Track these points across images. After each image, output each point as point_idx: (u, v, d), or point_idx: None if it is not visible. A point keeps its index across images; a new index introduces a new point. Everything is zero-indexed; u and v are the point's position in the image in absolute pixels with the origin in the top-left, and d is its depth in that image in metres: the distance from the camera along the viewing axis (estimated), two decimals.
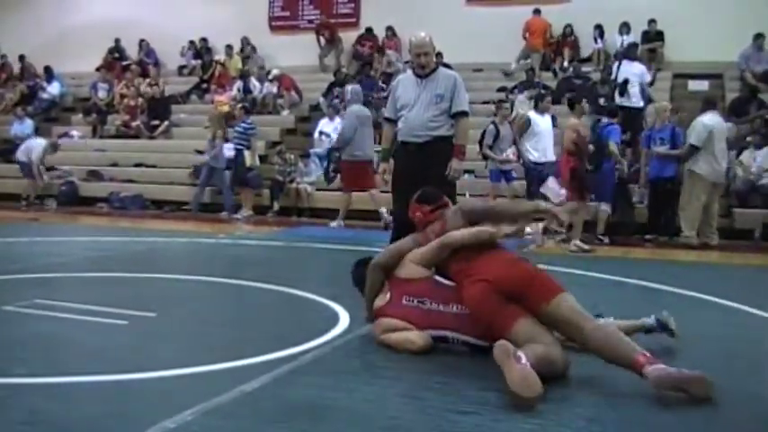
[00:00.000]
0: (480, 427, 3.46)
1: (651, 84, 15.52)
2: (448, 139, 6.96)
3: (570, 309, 4.27)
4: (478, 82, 18.63)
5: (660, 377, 3.80)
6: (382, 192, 11.77)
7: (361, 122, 12.65)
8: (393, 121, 7.28)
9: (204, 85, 20.22)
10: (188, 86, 20.51)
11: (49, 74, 20.85)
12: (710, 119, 11.45)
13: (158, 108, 18.71)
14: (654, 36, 17.76)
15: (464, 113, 7.02)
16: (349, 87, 14.05)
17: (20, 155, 16.48)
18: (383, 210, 12.53)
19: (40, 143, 16.64)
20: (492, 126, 12.52)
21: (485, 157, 12.82)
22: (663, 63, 17.73)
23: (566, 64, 18.06)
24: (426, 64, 6.99)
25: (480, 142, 12.76)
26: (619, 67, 15.10)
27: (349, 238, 10.77)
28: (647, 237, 11.75)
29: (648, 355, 3.92)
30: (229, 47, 20.42)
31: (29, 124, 18.50)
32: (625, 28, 17.61)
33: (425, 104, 6.90)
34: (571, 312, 4.25)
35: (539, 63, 18.30)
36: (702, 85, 16.53)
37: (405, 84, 7.19)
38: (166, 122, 18.51)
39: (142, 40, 21.69)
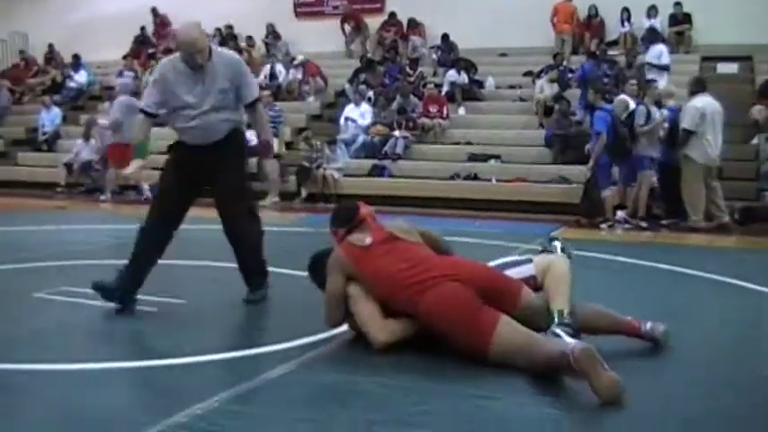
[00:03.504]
0: (505, 413, 3.47)
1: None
2: (236, 132, 5.79)
3: (538, 296, 4.35)
4: (504, 67, 18.58)
5: None
6: None
7: (129, 111, 13.83)
8: (152, 116, 5.73)
9: None
10: None
11: (77, 62, 20.95)
12: (702, 101, 11.34)
13: None
14: (681, 19, 17.61)
15: (258, 100, 5.84)
16: (119, 81, 16.37)
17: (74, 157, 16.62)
18: (145, 186, 14.33)
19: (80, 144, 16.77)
20: (642, 107, 11.65)
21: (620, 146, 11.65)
22: (691, 46, 17.58)
23: (592, 47, 17.96)
24: (203, 61, 5.37)
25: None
26: (646, 52, 15.17)
27: None
28: (663, 222, 11.63)
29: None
30: (251, 37, 20.46)
31: (56, 113, 18.62)
32: (653, 11, 17.51)
33: (210, 104, 5.48)
34: (541, 300, 4.33)
35: (569, 47, 18.18)
36: (731, 68, 16.39)
37: (175, 78, 5.48)
38: None
39: (168, 26, 21.77)
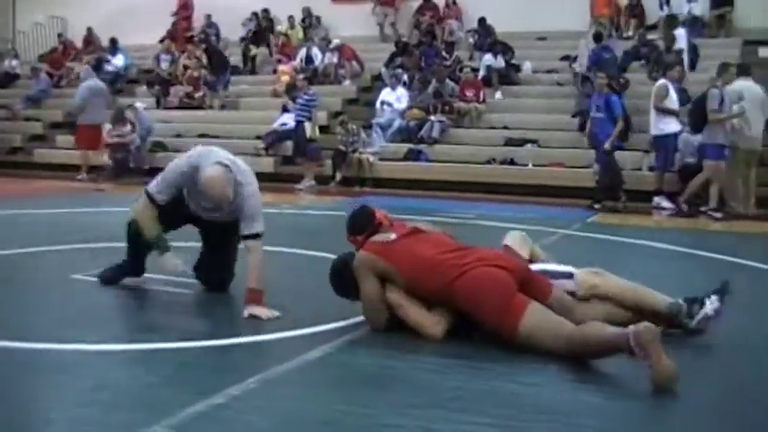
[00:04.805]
0: (543, 398, 3.45)
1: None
2: None
3: (565, 296, 4.35)
4: (541, 50, 18.45)
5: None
6: None
7: (93, 94, 15.83)
8: (157, 205, 5.10)
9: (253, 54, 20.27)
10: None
11: (114, 46, 21.06)
12: (740, 85, 11.23)
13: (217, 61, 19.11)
14: (722, 1, 17.35)
15: (256, 236, 5.05)
16: (84, 67, 18.44)
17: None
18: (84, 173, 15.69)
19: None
20: (716, 90, 11.23)
21: (697, 125, 11.61)
22: (732, 29, 17.33)
23: (630, 33, 17.76)
24: (228, 207, 5.08)
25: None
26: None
27: (410, 207, 10.70)
28: (702, 209, 11.42)
29: None
30: (292, 17, 20.50)
31: None
32: None
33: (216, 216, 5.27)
34: (568, 299, 4.34)
35: (606, 31, 17.94)
36: None
37: (193, 190, 5.13)
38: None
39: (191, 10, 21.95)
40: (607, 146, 11.90)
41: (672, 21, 16.27)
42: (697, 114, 11.40)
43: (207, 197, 4.94)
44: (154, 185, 5.09)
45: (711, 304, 4.30)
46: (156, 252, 5.18)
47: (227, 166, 4.88)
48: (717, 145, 11.16)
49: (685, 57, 15.05)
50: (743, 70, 11.57)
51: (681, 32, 15.63)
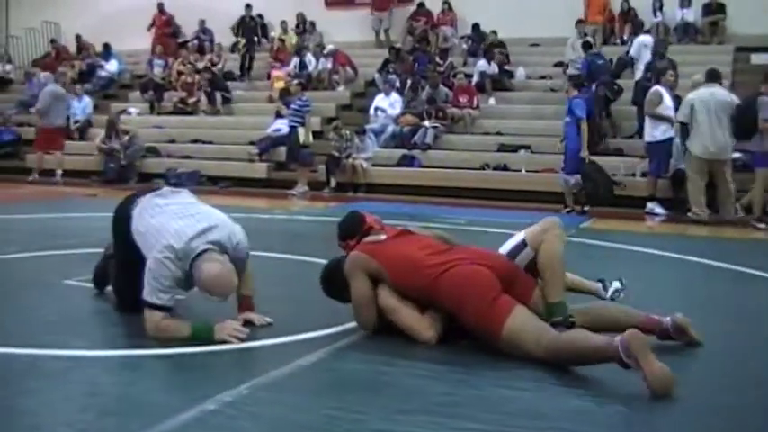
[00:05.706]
0: (534, 403, 3.45)
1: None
2: None
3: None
4: (535, 57, 18.49)
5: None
6: None
7: (54, 99, 16.67)
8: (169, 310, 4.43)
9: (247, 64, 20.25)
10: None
11: (107, 51, 21.06)
12: (696, 93, 11.17)
13: (218, 84, 18.91)
14: (715, 8, 17.43)
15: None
16: (43, 74, 19.30)
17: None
18: (59, 172, 16.45)
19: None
20: (766, 98, 10.70)
21: (747, 134, 11.00)
22: (724, 36, 17.39)
23: (625, 37, 17.81)
24: None
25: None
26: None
27: (405, 213, 10.71)
28: (689, 214, 11.30)
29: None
30: (285, 21, 20.52)
31: (87, 102, 18.72)
32: (686, 1, 17.37)
33: None
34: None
35: (600, 37, 18.00)
36: (765, 59, 16.19)
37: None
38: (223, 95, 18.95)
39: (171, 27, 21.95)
40: (584, 154, 11.95)
41: (635, 27, 16.50)
42: (744, 121, 10.83)
43: (214, 294, 4.37)
44: (155, 297, 4.32)
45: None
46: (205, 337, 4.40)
47: (215, 249, 4.40)
48: (765, 153, 10.83)
49: (641, 65, 15.19)
50: (710, 77, 11.46)
51: (643, 39, 15.81)
